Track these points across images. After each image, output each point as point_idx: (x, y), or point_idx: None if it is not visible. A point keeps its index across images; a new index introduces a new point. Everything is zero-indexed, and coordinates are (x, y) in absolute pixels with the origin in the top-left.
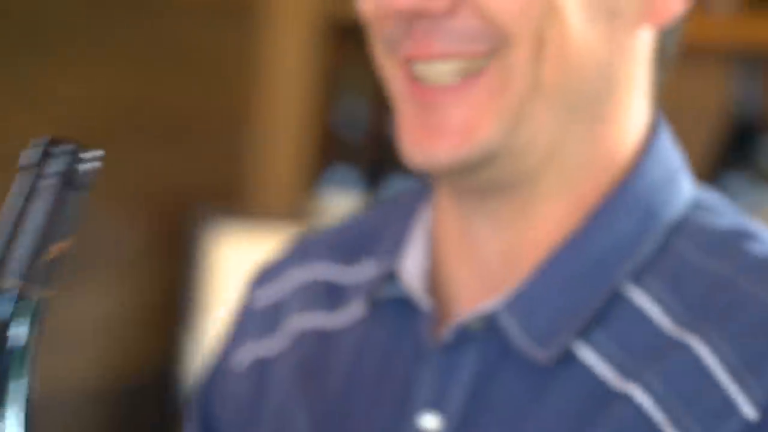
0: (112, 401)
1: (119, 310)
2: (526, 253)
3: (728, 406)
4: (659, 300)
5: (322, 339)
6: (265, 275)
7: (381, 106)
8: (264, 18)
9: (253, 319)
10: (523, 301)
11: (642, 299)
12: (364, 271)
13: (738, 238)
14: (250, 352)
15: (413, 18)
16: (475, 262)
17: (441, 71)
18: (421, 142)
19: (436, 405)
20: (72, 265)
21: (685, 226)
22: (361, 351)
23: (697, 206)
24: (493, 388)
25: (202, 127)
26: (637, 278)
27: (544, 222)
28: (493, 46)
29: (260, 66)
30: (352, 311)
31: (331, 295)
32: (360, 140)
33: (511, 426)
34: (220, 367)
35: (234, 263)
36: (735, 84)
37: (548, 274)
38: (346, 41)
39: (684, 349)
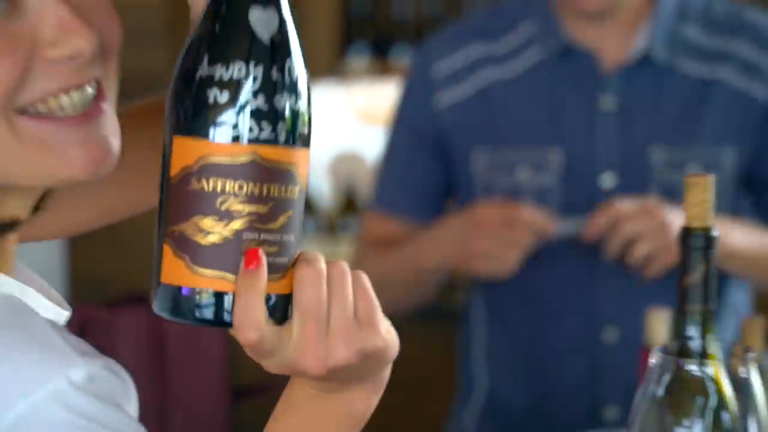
0: None
1: None
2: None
3: None
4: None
5: (502, 86)
6: (433, 57)
7: None
8: None
9: (436, 82)
10: (656, 37)
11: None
12: (522, 33)
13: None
14: (445, 98)
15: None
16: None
17: None
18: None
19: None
20: None
21: None
22: (540, 86)
23: None
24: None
25: None
26: (689, 20)
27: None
28: None
29: None
30: (524, 61)
31: (498, 60)
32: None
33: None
34: (418, 110)
35: None
36: None
37: (654, 27)
38: None
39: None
